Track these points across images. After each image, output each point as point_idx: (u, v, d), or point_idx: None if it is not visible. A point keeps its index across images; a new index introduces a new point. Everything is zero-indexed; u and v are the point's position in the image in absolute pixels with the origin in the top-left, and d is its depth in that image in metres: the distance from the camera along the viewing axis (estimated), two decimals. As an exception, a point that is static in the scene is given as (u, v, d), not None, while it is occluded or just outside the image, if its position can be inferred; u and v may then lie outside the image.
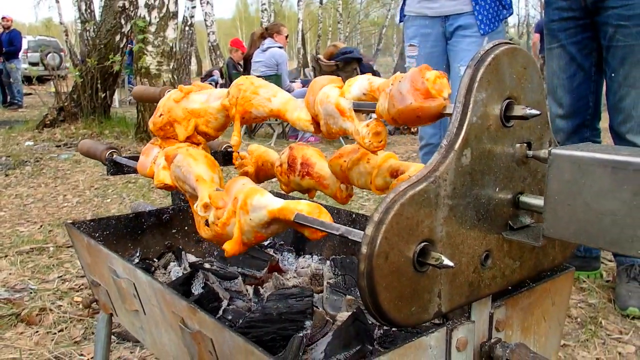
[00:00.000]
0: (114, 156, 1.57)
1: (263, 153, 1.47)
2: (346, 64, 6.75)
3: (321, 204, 0.95)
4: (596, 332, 2.02)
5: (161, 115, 1.30)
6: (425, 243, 0.75)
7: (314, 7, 35.67)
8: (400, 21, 2.81)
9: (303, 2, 24.19)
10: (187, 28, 13.14)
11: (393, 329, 1.13)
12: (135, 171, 1.48)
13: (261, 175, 1.47)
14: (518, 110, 0.78)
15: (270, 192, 1.01)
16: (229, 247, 0.98)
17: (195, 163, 1.16)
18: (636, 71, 2.07)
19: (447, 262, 0.72)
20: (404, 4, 2.72)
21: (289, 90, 7.49)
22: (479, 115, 0.76)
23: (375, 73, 7.28)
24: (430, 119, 0.84)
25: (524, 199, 0.85)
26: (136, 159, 1.56)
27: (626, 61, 2.09)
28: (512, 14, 2.58)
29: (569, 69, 2.29)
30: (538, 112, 0.76)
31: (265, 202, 0.94)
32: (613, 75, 2.16)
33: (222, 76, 10.75)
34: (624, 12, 2.04)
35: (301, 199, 1.13)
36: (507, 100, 0.79)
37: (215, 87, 3.13)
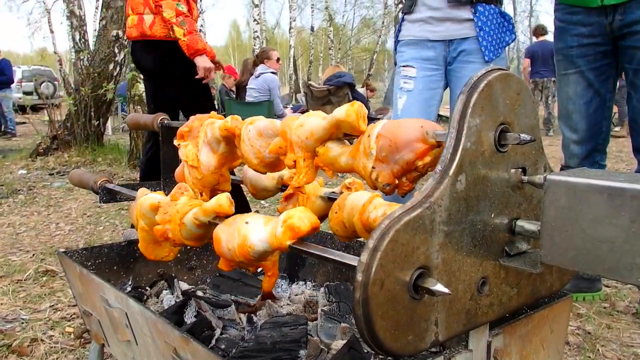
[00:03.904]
0: (106, 184, 1.56)
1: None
2: (338, 88, 6.74)
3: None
4: (595, 359, 2.00)
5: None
6: (421, 270, 0.74)
7: (306, 34, 36.08)
8: (396, 47, 2.75)
9: (294, 29, 24.47)
10: (180, 55, 13.22)
11: (389, 358, 1.11)
12: (127, 198, 1.46)
13: None
14: (512, 136, 0.78)
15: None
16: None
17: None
18: None
19: (443, 289, 0.71)
20: (399, 29, 2.66)
21: (282, 116, 7.51)
22: (473, 140, 0.76)
23: (367, 104, 7.27)
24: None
25: (520, 224, 0.84)
26: (128, 186, 1.54)
27: None
28: (514, 39, 2.53)
29: (586, 95, 2.30)
30: (532, 138, 0.76)
31: (260, 248, 0.95)
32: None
33: None
34: None
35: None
36: (501, 126, 0.79)
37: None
